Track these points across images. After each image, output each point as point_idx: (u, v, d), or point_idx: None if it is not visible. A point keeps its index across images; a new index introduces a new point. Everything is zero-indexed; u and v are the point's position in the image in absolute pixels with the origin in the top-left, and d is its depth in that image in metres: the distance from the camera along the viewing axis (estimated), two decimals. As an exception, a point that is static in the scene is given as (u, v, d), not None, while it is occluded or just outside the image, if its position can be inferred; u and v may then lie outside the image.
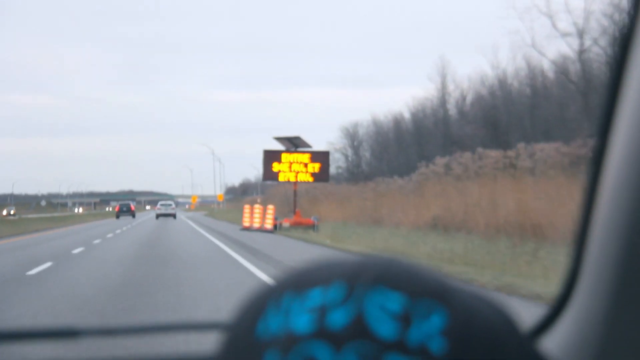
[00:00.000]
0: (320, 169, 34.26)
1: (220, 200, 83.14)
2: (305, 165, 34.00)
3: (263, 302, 0.54)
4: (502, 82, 55.73)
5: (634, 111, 0.68)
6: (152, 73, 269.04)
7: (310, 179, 34.70)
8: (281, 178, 34.43)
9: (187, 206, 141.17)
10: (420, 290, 0.51)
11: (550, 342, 0.83)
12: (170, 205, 67.87)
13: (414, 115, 67.26)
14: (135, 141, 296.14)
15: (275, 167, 33.97)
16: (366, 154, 74.57)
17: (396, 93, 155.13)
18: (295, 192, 35.34)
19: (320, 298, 0.51)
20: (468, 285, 0.55)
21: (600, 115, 0.78)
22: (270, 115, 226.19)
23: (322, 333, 0.50)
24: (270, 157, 34.24)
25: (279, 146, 35.25)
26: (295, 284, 0.53)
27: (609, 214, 0.71)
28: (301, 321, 0.50)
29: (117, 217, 72.63)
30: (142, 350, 1.49)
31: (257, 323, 0.52)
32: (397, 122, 70.33)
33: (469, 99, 61.84)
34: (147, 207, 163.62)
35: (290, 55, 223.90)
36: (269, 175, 34.89)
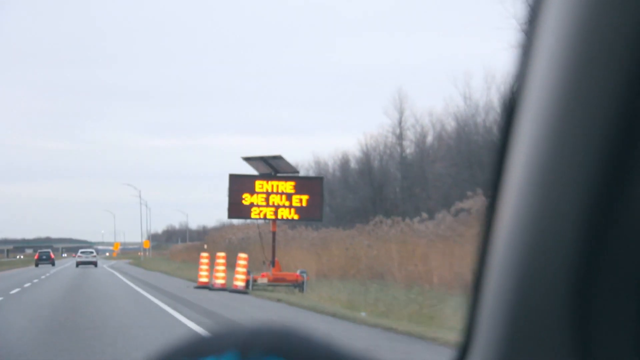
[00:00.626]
0: (309, 202, 24.20)
1: (147, 247, 72.22)
2: (289, 197, 24.00)
3: None
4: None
5: (521, 167, 0.74)
6: (77, 119, 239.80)
7: (296, 217, 24.77)
8: (254, 215, 24.25)
9: (107, 254, 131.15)
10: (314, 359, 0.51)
11: None
12: (91, 252, 65.06)
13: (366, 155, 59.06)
14: (53, 187, 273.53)
15: (247, 199, 23.80)
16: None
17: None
18: (274, 236, 25.38)
19: None
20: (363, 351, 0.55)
21: (491, 171, 0.82)
22: (198, 162, 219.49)
23: None
24: (239, 185, 24.08)
25: (249, 170, 25.29)
26: (190, 352, 0.53)
27: (500, 265, 0.77)
28: None
29: (37, 265, 68.94)
30: None
31: None
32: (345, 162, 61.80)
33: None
34: (64, 255, 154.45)
35: (220, 102, 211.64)
36: (237, 211, 24.62)
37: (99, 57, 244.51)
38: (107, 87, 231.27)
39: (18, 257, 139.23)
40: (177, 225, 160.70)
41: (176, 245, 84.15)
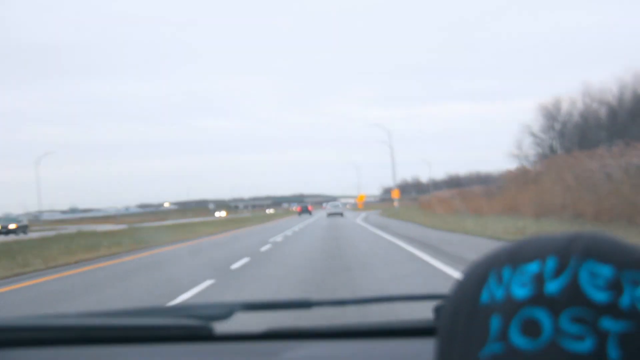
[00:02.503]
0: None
1: (396, 197, 64.09)
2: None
3: (485, 274, 0.60)
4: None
5: None
6: (314, 97, 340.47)
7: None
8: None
9: (347, 206, 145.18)
10: (628, 261, 0.56)
11: None
12: (337, 205, 76.62)
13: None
14: (302, 153, 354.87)
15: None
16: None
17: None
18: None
19: (537, 270, 0.57)
20: None
21: None
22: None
23: (540, 299, 0.55)
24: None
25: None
26: (513, 258, 0.59)
27: None
28: (521, 289, 0.56)
29: (299, 215, 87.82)
30: (368, 318, 1.40)
31: (481, 292, 0.59)
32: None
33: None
34: (295, 208, 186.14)
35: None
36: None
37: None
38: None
39: (268, 210, 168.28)
40: (408, 179, 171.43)
41: (424, 196, 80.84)
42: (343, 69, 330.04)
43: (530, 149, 56.46)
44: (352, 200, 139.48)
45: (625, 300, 0.54)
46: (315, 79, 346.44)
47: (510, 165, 57.20)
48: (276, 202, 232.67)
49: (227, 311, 1.24)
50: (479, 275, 0.60)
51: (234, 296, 8.92)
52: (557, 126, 55.22)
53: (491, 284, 0.58)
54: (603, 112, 51.27)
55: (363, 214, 67.18)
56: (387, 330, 1.19)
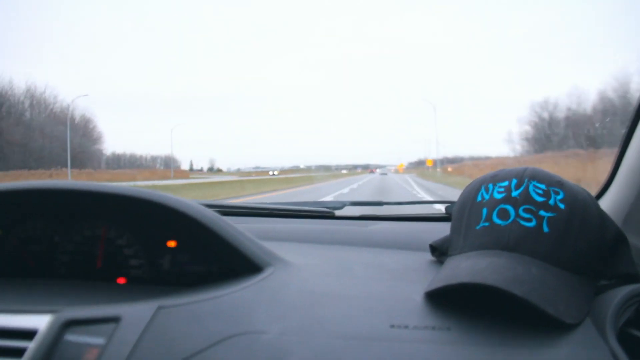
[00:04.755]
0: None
1: (430, 164, 71.96)
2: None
3: (479, 186, 1.11)
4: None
5: None
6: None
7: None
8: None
9: (392, 169, 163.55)
10: (552, 182, 1.05)
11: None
12: (384, 171, 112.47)
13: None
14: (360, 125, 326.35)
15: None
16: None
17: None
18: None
19: (507, 184, 1.06)
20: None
21: None
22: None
23: (509, 199, 1.04)
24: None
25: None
26: (494, 179, 1.09)
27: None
28: (498, 195, 1.05)
29: (369, 173, 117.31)
30: (407, 212, 1.96)
31: (477, 195, 1.09)
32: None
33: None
34: (367, 171, 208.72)
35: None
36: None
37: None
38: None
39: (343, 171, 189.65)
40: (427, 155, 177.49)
41: (447, 165, 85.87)
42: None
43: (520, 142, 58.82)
44: (394, 168, 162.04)
45: (551, 201, 1.01)
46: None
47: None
48: (349, 167, 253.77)
49: (341, 205, 2.01)
50: (475, 187, 1.12)
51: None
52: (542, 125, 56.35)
53: (482, 191, 1.09)
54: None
55: (404, 176, 74.83)
56: (423, 216, 1.86)
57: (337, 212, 1.98)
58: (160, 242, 1.15)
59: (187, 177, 72.59)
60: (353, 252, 1.35)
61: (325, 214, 1.95)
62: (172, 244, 1.15)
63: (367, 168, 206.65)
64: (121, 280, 1.15)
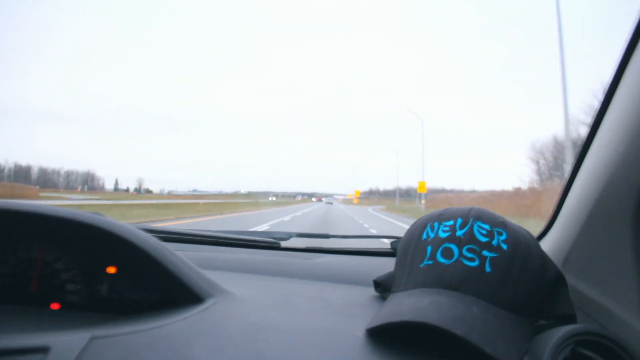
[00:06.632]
0: None
1: (423, 191, 49.90)
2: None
3: (424, 224, 1.13)
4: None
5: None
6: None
7: None
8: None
9: (340, 199, 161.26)
10: (496, 222, 1.07)
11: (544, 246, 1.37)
12: (330, 199, 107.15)
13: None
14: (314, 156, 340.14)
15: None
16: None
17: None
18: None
19: (452, 224, 1.08)
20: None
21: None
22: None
23: (453, 239, 1.05)
24: None
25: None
26: (439, 218, 1.12)
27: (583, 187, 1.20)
28: (443, 233, 1.07)
29: (316, 201, 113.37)
30: (352, 246, 2.05)
31: (422, 233, 1.11)
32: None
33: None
34: (313, 199, 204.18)
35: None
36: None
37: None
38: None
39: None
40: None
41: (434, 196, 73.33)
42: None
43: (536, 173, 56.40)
44: (342, 197, 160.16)
45: (494, 242, 1.03)
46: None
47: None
48: (291, 195, 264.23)
49: (287, 236, 2.01)
50: (421, 225, 1.14)
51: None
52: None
53: (428, 229, 1.11)
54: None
55: (364, 209, 61.86)
56: (368, 251, 1.88)
57: (283, 243, 1.97)
58: (99, 268, 1.12)
59: (36, 197, 53.45)
60: (297, 284, 1.35)
61: (270, 244, 1.95)
62: (111, 270, 1.12)
63: (314, 196, 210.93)
64: (55, 306, 1.11)
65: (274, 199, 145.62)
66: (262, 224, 20.44)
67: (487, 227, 1.06)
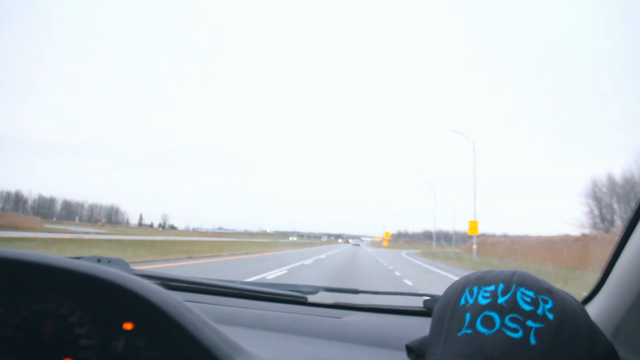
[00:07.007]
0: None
1: (474, 233, 36.76)
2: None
3: (463, 288, 1.04)
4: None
5: None
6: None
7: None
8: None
9: (367, 241, 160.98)
10: (541, 289, 0.99)
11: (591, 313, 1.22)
12: (357, 241, 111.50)
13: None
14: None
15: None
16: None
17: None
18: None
19: (493, 289, 1.00)
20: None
21: None
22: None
23: (495, 306, 0.97)
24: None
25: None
26: (479, 282, 1.04)
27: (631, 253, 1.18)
28: (484, 300, 0.99)
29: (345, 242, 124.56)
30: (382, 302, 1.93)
31: (461, 298, 1.02)
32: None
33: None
34: (340, 240, 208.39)
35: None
36: None
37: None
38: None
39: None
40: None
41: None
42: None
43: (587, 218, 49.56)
44: (370, 239, 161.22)
45: (540, 311, 0.95)
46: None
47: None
48: (315, 236, 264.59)
49: (315, 290, 1.93)
50: (458, 288, 1.06)
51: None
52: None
53: (466, 294, 1.02)
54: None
55: (397, 253, 52.91)
56: (400, 309, 1.79)
57: (310, 298, 1.89)
58: (115, 323, 1.06)
59: (40, 229, 47.86)
60: (324, 345, 1.28)
61: (297, 298, 1.87)
62: (128, 326, 1.06)
63: (341, 237, 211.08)
64: None
65: (294, 239, 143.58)
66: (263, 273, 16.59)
67: (531, 294, 0.98)
